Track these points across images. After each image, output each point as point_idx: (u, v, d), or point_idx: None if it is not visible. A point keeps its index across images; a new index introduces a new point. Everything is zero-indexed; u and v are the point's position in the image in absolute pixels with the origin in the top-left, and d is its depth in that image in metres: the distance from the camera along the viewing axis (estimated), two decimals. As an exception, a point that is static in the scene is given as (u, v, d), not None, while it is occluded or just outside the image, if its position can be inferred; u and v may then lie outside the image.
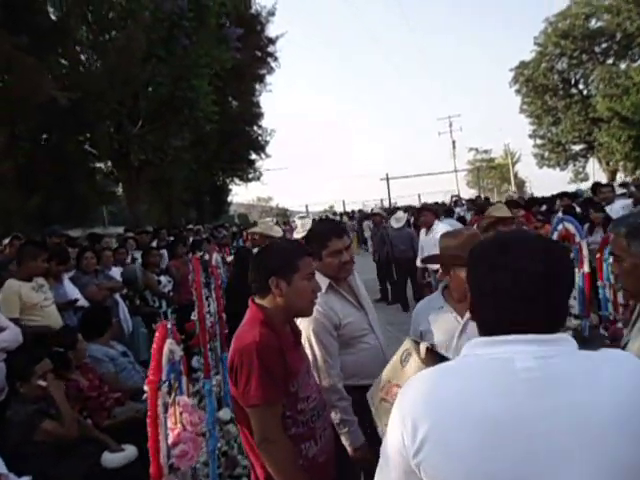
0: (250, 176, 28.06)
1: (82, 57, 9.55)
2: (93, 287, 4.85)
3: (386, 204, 33.08)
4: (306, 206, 37.26)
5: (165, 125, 11.89)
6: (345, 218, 25.19)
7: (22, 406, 2.65)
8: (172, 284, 6.62)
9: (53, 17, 8.31)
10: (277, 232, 6.90)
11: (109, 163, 13.49)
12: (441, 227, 5.89)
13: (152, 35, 9.86)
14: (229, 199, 31.36)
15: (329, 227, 2.38)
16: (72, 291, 4.55)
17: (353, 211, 28.29)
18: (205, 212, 25.46)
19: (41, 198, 8.55)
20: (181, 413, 2.06)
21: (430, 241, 5.93)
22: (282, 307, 1.73)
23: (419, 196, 34.15)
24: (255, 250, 6.05)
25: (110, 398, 3.39)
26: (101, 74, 8.28)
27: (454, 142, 40.75)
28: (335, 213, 30.30)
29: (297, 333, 1.86)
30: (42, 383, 2.69)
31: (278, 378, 1.60)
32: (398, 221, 8.67)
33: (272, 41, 24.81)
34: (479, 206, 10.08)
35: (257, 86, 25.04)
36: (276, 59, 24.97)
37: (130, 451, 2.86)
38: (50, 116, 8.34)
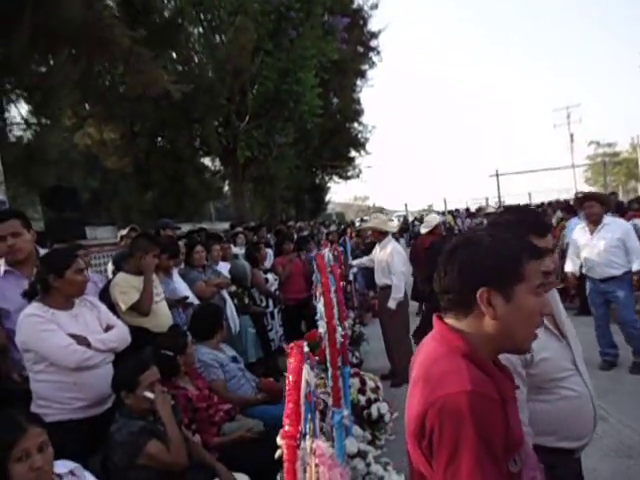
0: (349, 174, 27.82)
1: (193, 52, 9.69)
2: (202, 283, 4.59)
3: (491, 203, 30.84)
4: (405, 205, 36.13)
5: (271, 121, 11.79)
6: (449, 217, 23.80)
7: (127, 421, 2.31)
8: (277, 283, 6.30)
9: (166, 14, 8.48)
10: (392, 227, 6.28)
11: (217, 161, 13.83)
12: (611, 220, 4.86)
13: (260, 29, 9.75)
14: (327, 197, 31.46)
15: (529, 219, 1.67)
16: (181, 287, 4.30)
17: (457, 210, 26.68)
18: (304, 210, 25.63)
19: (156, 193, 8.83)
20: (317, 465, 1.50)
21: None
22: (492, 335, 1.09)
23: (529, 195, 31.48)
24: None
25: (220, 410, 3.00)
26: (211, 68, 8.29)
27: (572, 135, 37.00)
28: (438, 213, 28.82)
29: (508, 375, 1.19)
30: (149, 395, 2.33)
31: (499, 452, 0.98)
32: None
33: (375, 35, 24.29)
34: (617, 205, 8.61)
35: (358, 82, 24.70)
36: (378, 53, 24.42)
37: (243, 485, 2.41)
38: (164, 112, 8.53)
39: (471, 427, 0.95)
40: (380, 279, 5.54)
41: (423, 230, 6.09)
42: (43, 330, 2.44)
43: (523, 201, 26.30)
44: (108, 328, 2.74)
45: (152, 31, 6.80)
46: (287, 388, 1.29)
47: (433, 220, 6.14)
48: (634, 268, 4.63)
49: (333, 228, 17.99)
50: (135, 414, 2.35)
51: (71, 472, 1.88)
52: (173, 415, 2.35)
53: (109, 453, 2.25)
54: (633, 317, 4.82)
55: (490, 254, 1.08)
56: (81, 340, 2.51)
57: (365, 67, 24.74)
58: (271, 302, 6.04)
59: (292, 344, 1.48)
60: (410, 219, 27.72)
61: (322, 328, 2.81)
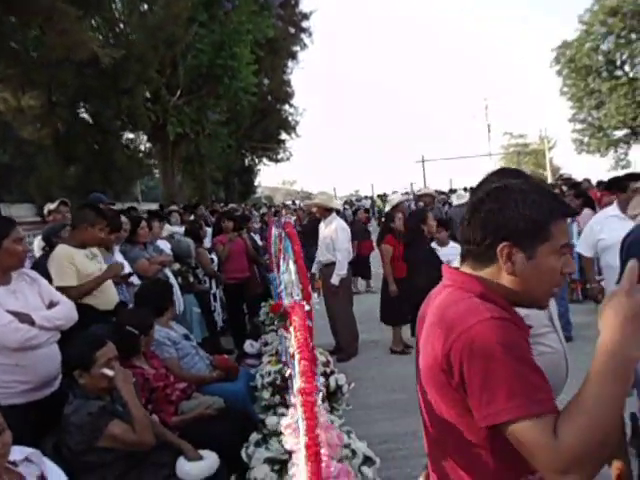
0: (279, 156, 27.57)
1: (119, 16, 8.95)
2: (144, 261, 4.32)
3: (417, 188, 32.13)
4: (334, 189, 36.55)
5: (203, 97, 11.29)
6: (378, 201, 24.39)
7: (84, 402, 2.11)
8: (217, 262, 6.10)
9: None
10: (337, 205, 6.30)
11: (143, 137, 13.05)
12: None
13: (194, -2, 9.24)
14: (257, 181, 30.99)
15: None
16: (126, 266, 4.03)
17: (385, 194, 27.45)
18: (234, 192, 25.06)
19: (80, 169, 8.11)
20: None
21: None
22: (508, 288, 1.09)
23: (450, 181, 33.16)
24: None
25: (176, 389, 2.85)
26: (143, 35, 7.72)
27: (489, 125, 39.37)
28: (365, 197, 29.47)
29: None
30: (108, 372, 2.15)
31: (532, 360, 0.98)
32: (459, 198, 8.47)
33: (306, 16, 24.06)
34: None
35: (290, 63, 24.40)
36: (310, 35, 24.22)
37: (212, 460, 2.32)
38: (88, 81, 7.84)
39: (501, 349, 0.94)
40: (324, 255, 5.57)
41: (387, 208, 6.24)
42: (-23, 307, 2.16)
43: (445, 187, 27.61)
44: (51, 305, 2.48)
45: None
46: (297, 345, 1.24)
47: (395, 198, 6.30)
48: None
49: (264, 210, 17.80)
50: (92, 394, 2.16)
51: (27, 458, 1.70)
52: (135, 394, 2.19)
53: (64, 437, 2.05)
54: None
55: (519, 210, 1.06)
56: (23, 317, 2.26)
57: (296, 48, 24.48)
58: (213, 283, 5.86)
59: (292, 303, 1.43)
60: (339, 203, 28.15)
61: (287, 299, 2.77)
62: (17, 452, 1.64)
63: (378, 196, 27.47)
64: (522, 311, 1.77)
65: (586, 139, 31.92)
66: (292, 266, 2.32)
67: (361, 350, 5.70)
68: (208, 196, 17.64)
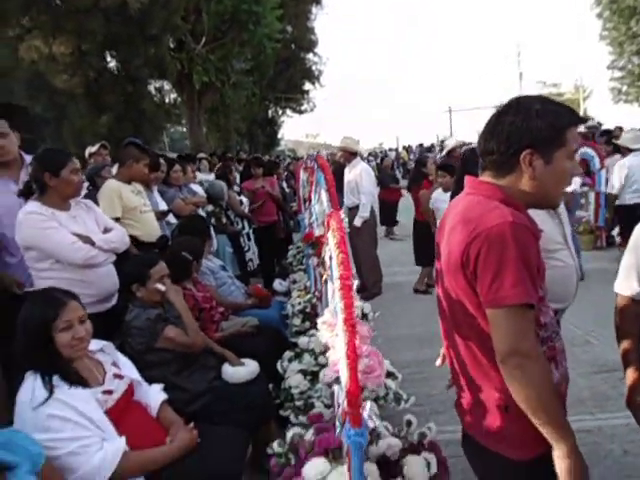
0: (303, 107, 27.22)
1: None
2: (179, 201, 4.58)
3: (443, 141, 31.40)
4: (357, 141, 36.08)
5: (227, 44, 11.20)
6: (403, 152, 24.08)
7: (142, 310, 2.41)
8: (248, 205, 6.34)
9: None
10: (361, 150, 6.42)
11: (169, 86, 13.09)
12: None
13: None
14: (280, 133, 30.80)
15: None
16: (161, 203, 4.29)
17: (410, 146, 27.01)
18: (258, 144, 25.07)
19: (111, 118, 8.33)
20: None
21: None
22: (527, 192, 1.25)
23: (477, 132, 32.26)
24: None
25: (218, 311, 3.15)
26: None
27: (521, 74, 37.70)
28: (390, 149, 29.08)
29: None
30: (160, 287, 2.43)
31: (534, 273, 1.17)
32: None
33: (331, -43, 23.01)
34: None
35: (314, 9, 23.63)
36: (336, -22, 23.28)
37: (253, 366, 2.61)
38: (116, 28, 7.90)
39: (514, 249, 1.13)
40: (349, 199, 5.72)
41: (442, 153, 6.35)
42: (46, 227, 2.44)
43: (473, 138, 26.98)
44: (106, 230, 2.75)
45: None
46: (335, 242, 1.45)
47: (450, 143, 6.38)
48: None
49: (289, 161, 17.87)
50: (148, 305, 2.45)
51: (101, 349, 1.99)
52: (186, 305, 2.48)
53: (127, 340, 2.36)
54: None
55: (540, 119, 1.20)
56: (85, 239, 2.53)
57: (321, -8, 23.57)
58: (246, 223, 6.11)
59: (330, 211, 1.62)
60: (365, 155, 27.94)
61: (318, 229, 2.98)
62: (93, 344, 1.93)
63: (403, 147, 27.04)
64: (542, 224, 1.95)
65: (625, 87, 30.35)
66: (324, 194, 2.50)
67: (384, 290, 5.96)
68: (233, 147, 17.76)
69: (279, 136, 31.14)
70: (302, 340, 3.06)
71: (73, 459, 1.54)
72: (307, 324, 3.49)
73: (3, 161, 2.77)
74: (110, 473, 1.60)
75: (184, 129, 17.43)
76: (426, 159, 5.68)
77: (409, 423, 2.04)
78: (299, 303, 3.76)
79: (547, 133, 1.20)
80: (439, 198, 4.89)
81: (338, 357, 1.55)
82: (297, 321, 3.57)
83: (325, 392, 2.63)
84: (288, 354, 2.97)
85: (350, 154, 5.76)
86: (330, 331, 1.75)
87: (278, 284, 4.97)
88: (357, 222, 5.58)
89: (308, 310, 3.62)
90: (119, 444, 1.65)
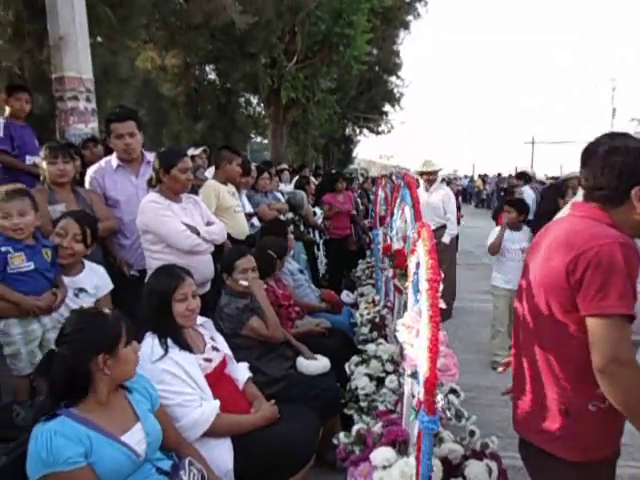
0: (380, 128, 27.52)
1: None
2: (265, 206, 4.93)
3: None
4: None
5: (316, 63, 11.75)
6: (479, 181, 23.61)
7: (232, 298, 2.69)
8: (322, 217, 6.62)
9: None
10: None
11: (255, 99, 13.87)
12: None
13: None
14: (355, 151, 31.28)
15: None
16: (247, 206, 4.66)
17: (486, 175, 26.41)
18: (333, 160, 25.66)
19: (206, 125, 9.05)
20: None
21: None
22: (633, 225, 1.38)
23: (561, 167, 30.90)
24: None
25: (294, 310, 3.39)
26: (272, 1, 8.27)
27: (614, 110, 35.72)
28: (465, 176, 28.52)
29: None
30: (243, 282, 2.69)
31: (635, 290, 1.29)
32: None
33: (424, -16, 23.31)
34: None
35: (401, 33, 23.98)
36: (426, 4, 23.54)
37: (325, 362, 2.81)
38: (220, 45, 8.62)
39: (622, 266, 1.26)
40: (432, 220, 5.77)
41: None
42: (162, 215, 2.80)
43: (555, 173, 25.86)
44: (208, 224, 3.10)
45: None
46: (425, 250, 1.62)
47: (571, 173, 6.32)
48: None
49: (362, 180, 18.17)
50: (236, 294, 2.73)
51: (202, 325, 2.28)
52: (268, 300, 2.73)
53: (219, 323, 2.65)
54: None
55: None
56: (192, 229, 2.87)
57: (410, 18, 23.91)
58: (317, 234, 6.38)
59: (421, 222, 1.80)
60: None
61: (397, 243, 3.15)
62: (197, 319, 2.22)
63: (479, 176, 26.46)
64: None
65: None
66: (408, 211, 2.68)
67: (454, 315, 5.97)
68: (309, 161, 18.36)
69: (353, 154, 31.67)
70: (370, 347, 3.22)
71: (179, 410, 1.81)
72: (374, 334, 3.65)
73: (130, 158, 3.20)
74: (206, 428, 1.85)
75: (264, 140, 18.30)
76: (514, 189, 5.69)
77: (472, 433, 2.14)
78: (368, 313, 3.93)
79: None
80: (506, 237, 4.45)
81: (416, 353, 1.71)
82: (365, 330, 3.74)
83: (389, 397, 2.78)
84: (355, 358, 3.14)
85: (434, 177, 5.86)
86: (409, 332, 1.90)
87: (345, 295, 5.16)
88: (446, 239, 5.69)
89: (377, 320, 3.79)
90: (215, 405, 1.91)
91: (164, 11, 7.31)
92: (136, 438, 1.52)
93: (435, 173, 5.83)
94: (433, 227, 5.79)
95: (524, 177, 7.44)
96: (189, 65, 8.64)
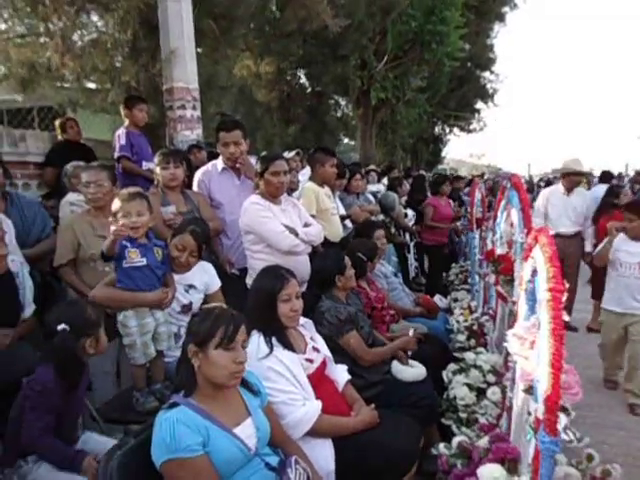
0: (472, 127, 26.40)
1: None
2: (356, 208, 4.93)
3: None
4: (528, 165, 33.78)
5: (407, 62, 11.54)
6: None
7: (334, 305, 2.70)
8: (414, 219, 6.47)
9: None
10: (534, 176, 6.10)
11: (344, 101, 13.95)
12: None
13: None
14: (444, 151, 30.29)
15: None
16: (340, 208, 4.69)
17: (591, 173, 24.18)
18: (421, 161, 25.07)
19: (297, 128, 9.30)
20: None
21: None
22: None
23: (682, 164, 27.51)
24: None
25: (388, 313, 3.35)
26: (364, 2, 8.27)
27: None
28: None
29: None
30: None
31: None
32: None
33: (520, -27, 22.00)
34: None
35: (496, 26, 22.81)
36: (523, -8, 22.16)
37: (421, 369, 2.74)
38: (312, 49, 8.79)
39: None
40: (570, 224, 5.29)
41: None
42: (263, 216, 2.91)
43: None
44: (306, 225, 3.16)
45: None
46: (546, 258, 1.51)
47: None
48: None
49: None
50: (339, 301, 2.75)
51: (303, 325, 2.33)
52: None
53: (317, 327, 2.67)
54: None
55: None
56: (291, 230, 2.95)
57: (506, 9, 22.67)
58: (408, 236, 6.26)
59: (537, 227, 1.68)
60: (535, 180, 25.99)
61: (500, 248, 2.99)
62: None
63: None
64: None
65: None
66: (515, 213, 2.52)
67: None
68: (397, 162, 18.10)
69: (443, 154, 30.68)
70: (468, 355, 3.08)
71: (284, 407, 1.86)
72: (472, 341, 3.49)
73: (233, 165, 3.36)
74: (309, 428, 1.88)
75: (351, 142, 18.36)
76: (620, 189, 5.15)
77: (590, 457, 1.96)
78: (465, 320, 3.77)
79: None
80: (620, 247, 3.82)
81: (532, 367, 1.59)
82: (462, 337, 3.59)
83: (491, 410, 2.63)
84: (453, 366, 3.02)
85: (579, 179, 5.32)
86: (522, 344, 1.79)
87: (439, 299, 5.01)
88: (588, 247, 5.22)
89: (474, 328, 3.62)
90: (317, 405, 1.93)
91: (260, 21, 7.61)
92: (247, 432, 1.58)
93: (583, 175, 5.34)
94: (570, 232, 5.27)
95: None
96: (282, 71, 8.93)
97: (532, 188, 22.96)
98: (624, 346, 3.90)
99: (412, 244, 6.22)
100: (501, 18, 22.69)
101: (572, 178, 5.18)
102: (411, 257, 6.10)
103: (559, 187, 5.35)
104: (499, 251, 2.96)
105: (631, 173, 20.74)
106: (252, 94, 9.32)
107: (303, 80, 10.46)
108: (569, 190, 5.23)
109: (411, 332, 3.04)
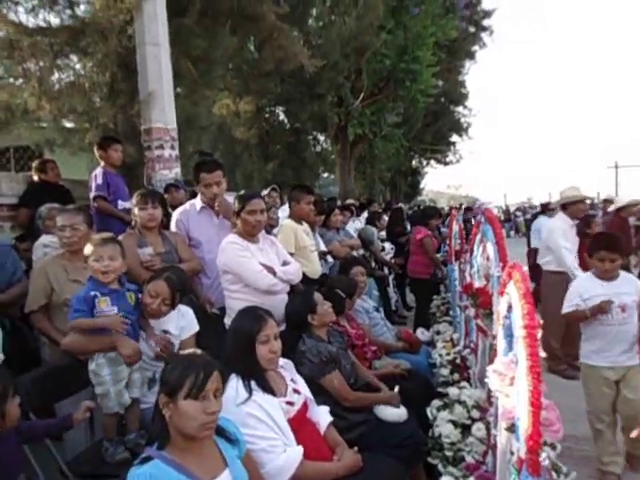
0: (448, 159, 27.14)
1: (320, 29, 10.01)
2: (336, 243, 4.96)
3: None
4: (504, 195, 34.66)
5: (382, 99, 11.91)
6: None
7: (316, 344, 2.65)
8: (393, 252, 6.51)
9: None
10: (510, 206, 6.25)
11: (322, 137, 14.24)
12: None
13: (383, 6, 9.83)
14: (422, 183, 30.97)
15: None
16: (320, 244, 4.70)
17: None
18: (400, 193, 25.56)
19: (276, 164, 9.42)
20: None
21: None
22: None
23: (648, 192, 28.62)
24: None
25: (370, 349, 3.31)
26: (338, 44, 8.58)
27: None
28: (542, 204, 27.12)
29: None
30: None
31: None
32: None
33: (488, 14, 23.18)
34: None
35: (467, 63, 23.84)
36: (491, 33, 23.29)
37: (402, 412, 2.69)
38: (289, 88, 9.01)
39: None
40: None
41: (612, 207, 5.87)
42: (241, 256, 2.89)
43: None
44: (284, 264, 3.14)
45: (291, 6, 7.20)
46: (520, 294, 1.52)
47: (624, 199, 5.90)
48: None
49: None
50: (319, 340, 2.70)
51: (282, 366, 2.28)
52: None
53: (298, 367, 2.62)
54: None
55: None
56: (269, 269, 2.93)
57: (475, 48, 23.76)
58: (386, 269, 6.28)
59: (512, 263, 1.70)
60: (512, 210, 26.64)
61: (478, 281, 3.01)
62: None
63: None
64: None
65: None
66: (490, 247, 2.55)
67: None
68: (376, 195, 18.38)
69: (421, 186, 31.35)
70: (452, 390, 3.05)
71: (264, 455, 1.79)
72: (456, 376, 3.46)
73: (214, 204, 3.36)
74: (290, 475, 1.81)
75: (331, 176, 18.65)
76: (591, 219, 5.24)
77: (577, 495, 1.92)
78: (447, 354, 3.75)
79: None
80: (592, 292, 3.12)
81: (513, 405, 1.58)
82: (445, 371, 3.56)
83: (477, 447, 2.59)
84: (437, 402, 2.99)
85: (584, 207, 5.12)
86: (501, 380, 1.78)
87: (421, 333, 4.98)
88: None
89: (457, 361, 3.60)
90: (299, 451, 1.87)
91: (238, 61, 7.80)
92: (224, 485, 1.51)
93: (583, 202, 5.06)
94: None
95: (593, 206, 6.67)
96: (260, 109, 9.11)
97: (509, 218, 23.58)
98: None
99: (391, 277, 6.24)
100: (471, 56, 23.78)
101: (579, 206, 4.96)
102: (391, 290, 6.11)
103: (566, 219, 4.95)
104: (477, 284, 2.97)
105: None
106: (231, 132, 9.46)
107: (282, 117, 10.70)
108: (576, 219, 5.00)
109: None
